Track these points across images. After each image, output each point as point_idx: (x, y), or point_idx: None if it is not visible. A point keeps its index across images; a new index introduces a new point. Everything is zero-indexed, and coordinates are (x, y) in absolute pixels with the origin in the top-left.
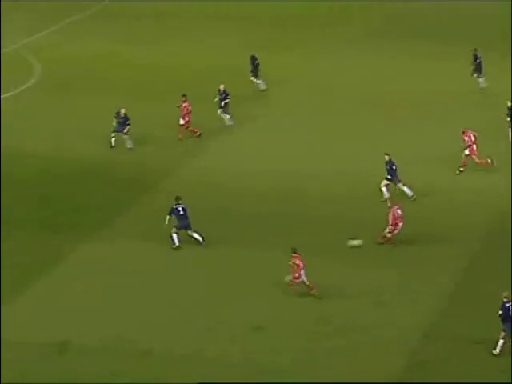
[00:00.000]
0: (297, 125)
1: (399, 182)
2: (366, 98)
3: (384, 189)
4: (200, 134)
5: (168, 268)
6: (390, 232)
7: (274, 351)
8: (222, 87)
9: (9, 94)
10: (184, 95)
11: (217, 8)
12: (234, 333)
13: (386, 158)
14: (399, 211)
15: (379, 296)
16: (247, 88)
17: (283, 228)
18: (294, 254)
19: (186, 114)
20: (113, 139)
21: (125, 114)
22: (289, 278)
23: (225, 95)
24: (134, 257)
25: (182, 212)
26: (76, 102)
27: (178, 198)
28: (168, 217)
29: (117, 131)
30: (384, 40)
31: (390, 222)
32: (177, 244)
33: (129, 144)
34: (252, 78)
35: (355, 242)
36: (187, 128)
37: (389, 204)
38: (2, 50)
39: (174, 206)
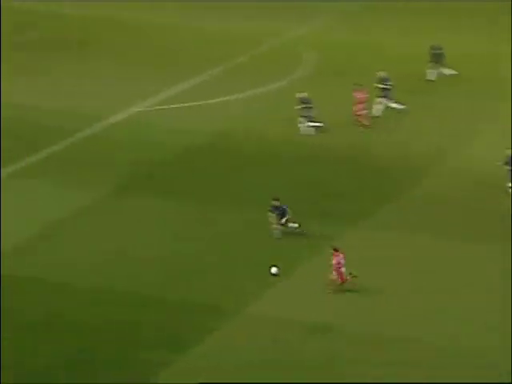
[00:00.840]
0: None
1: None
2: None
3: None
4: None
5: (427, 259)
6: None
7: None
8: (381, 74)
9: (281, 84)
10: (356, 84)
11: None
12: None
13: (509, 152)
14: None
15: None
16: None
17: None
18: (334, 252)
19: (359, 102)
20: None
21: (306, 97)
22: (332, 276)
23: (385, 82)
24: (394, 247)
25: (278, 212)
26: (347, 90)
27: (276, 199)
28: (270, 214)
29: (304, 116)
30: None
31: None
32: (276, 237)
33: (307, 130)
34: (430, 67)
35: (273, 270)
36: (358, 116)
37: None
38: (274, 42)
39: (280, 206)
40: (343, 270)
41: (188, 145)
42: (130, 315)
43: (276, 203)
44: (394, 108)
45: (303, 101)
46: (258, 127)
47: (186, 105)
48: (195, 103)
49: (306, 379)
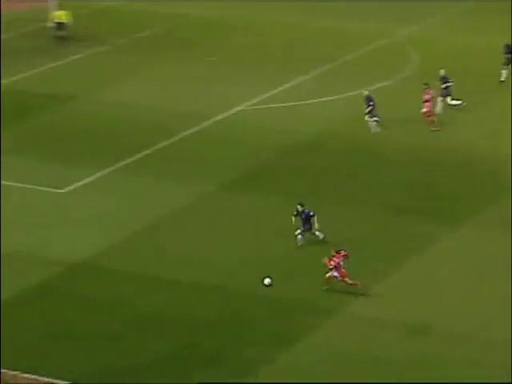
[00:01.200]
0: None
1: None
2: None
3: None
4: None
5: None
6: None
7: None
8: (442, 72)
9: (385, 84)
10: (425, 83)
11: None
12: None
13: None
14: None
15: None
16: None
17: None
18: (335, 254)
19: (426, 101)
20: (372, 124)
21: (369, 95)
22: (333, 274)
23: (445, 80)
24: (496, 247)
25: (304, 217)
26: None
27: (301, 205)
28: (294, 218)
29: (371, 115)
30: None
31: None
32: (299, 244)
33: (374, 127)
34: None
35: (266, 281)
36: (428, 117)
37: None
38: (381, 42)
39: (306, 211)
40: (343, 271)
41: (289, 144)
42: (231, 312)
43: (300, 208)
44: (453, 105)
45: (366, 100)
46: (358, 127)
47: (290, 104)
48: (299, 102)
49: (403, 379)
